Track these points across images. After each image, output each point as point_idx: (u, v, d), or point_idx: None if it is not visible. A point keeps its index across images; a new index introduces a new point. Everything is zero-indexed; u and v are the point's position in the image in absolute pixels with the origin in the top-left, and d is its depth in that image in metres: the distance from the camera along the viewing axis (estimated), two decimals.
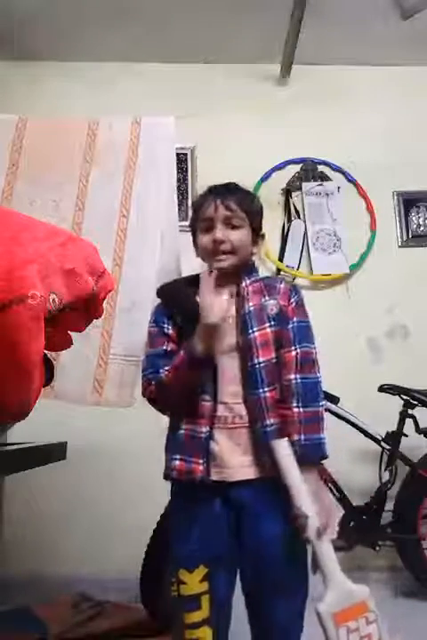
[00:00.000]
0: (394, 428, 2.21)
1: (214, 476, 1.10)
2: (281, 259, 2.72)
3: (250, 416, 1.12)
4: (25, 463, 1.27)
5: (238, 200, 1.22)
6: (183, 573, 1.07)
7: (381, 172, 2.76)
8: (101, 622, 1.85)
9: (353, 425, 2.19)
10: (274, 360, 1.15)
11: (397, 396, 2.22)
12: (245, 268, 1.24)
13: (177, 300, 1.23)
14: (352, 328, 2.61)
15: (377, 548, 2.14)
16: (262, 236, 1.29)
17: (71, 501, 2.32)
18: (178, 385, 1.12)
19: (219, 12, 2.60)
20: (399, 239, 2.82)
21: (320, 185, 2.83)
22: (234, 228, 1.21)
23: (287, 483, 1.03)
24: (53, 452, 1.44)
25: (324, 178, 2.85)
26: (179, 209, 2.69)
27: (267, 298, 1.20)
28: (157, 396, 1.15)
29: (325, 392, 2.21)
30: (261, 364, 1.13)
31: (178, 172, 2.72)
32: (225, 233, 1.20)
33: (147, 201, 1.68)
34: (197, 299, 1.14)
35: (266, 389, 1.12)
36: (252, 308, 1.18)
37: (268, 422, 1.10)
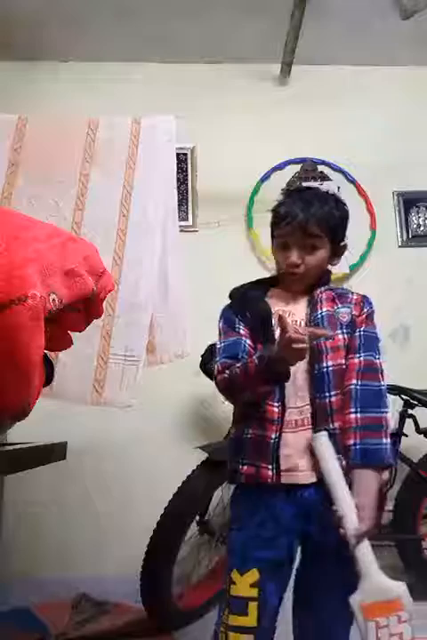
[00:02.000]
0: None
1: (283, 480, 1.10)
2: None
3: (316, 419, 1.12)
4: (25, 463, 1.27)
5: (320, 220, 1.19)
6: (235, 574, 1.08)
7: (381, 172, 2.76)
8: (101, 622, 1.85)
9: None
10: (343, 366, 1.15)
11: (397, 396, 2.22)
12: (320, 277, 1.25)
13: (249, 303, 1.24)
14: None
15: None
16: (344, 247, 1.28)
17: (71, 501, 2.32)
18: (249, 389, 1.13)
19: (219, 12, 2.60)
20: (399, 239, 2.81)
21: (320, 185, 2.82)
22: (312, 249, 1.20)
23: (325, 479, 1.05)
24: (53, 452, 1.44)
25: (324, 178, 2.84)
26: (179, 209, 2.72)
27: (339, 305, 1.22)
28: (228, 387, 1.16)
29: None
30: (330, 368, 1.14)
31: (178, 172, 2.72)
32: (301, 255, 1.20)
33: (147, 201, 1.68)
34: (267, 301, 1.21)
35: (333, 393, 1.12)
36: (325, 313, 1.19)
37: (332, 426, 1.10)
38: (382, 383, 1.15)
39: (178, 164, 2.69)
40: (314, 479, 1.09)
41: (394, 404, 2.22)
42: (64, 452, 1.51)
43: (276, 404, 1.12)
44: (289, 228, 1.19)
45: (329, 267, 1.28)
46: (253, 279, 1.32)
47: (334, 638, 1.12)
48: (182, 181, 2.75)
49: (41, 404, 1.06)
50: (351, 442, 1.07)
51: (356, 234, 2.75)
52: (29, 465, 1.29)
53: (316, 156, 2.85)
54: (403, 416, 2.21)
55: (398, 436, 2.20)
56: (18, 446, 1.39)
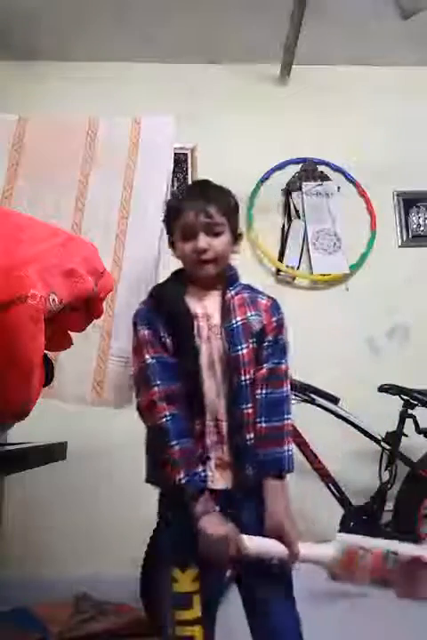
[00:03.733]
0: (394, 427, 2.21)
1: (209, 485, 1.11)
2: (281, 259, 2.72)
3: (232, 430, 1.14)
4: (25, 463, 1.27)
5: (218, 205, 1.21)
6: (176, 572, 1.10)
7: (381, 172, 2.76)
8: (101, 622, 1.85)
9: (353, 425, 2.19)
10: (254, 377, 1.17)
11: (397, 396, 2.22)
12: (229, 274, 1.25)
13: (172, 306, 1.19)
14: (352, 328, 2.61)
15: None
16: (241, 236, 1.29)
17: (71, 501, 2.32)
18: (161, 467, 1.10)
19: (219, 12, 2.60)
20: (399, 239, 2.82)
21: (320, 185, 2.83)
22: (216, 234, 1.20)
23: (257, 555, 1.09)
24: (53, 452, 1.44)
25: (324, 178, 2.85)
26: None
27: (252, 313, 1.21)
28: (158, 434, 1.10)
29: (325, 392, 2.24)
30: (247, 382, 1.16)
31: (178, 172, 2.73)
32: (207, 241, 1.19)
33: (147, 201, 1.68)
34: (186, 300, 1.18)
35: (249, 405, 1.15)
36: (239, 324, 1.18)
37: (248, 436, 1.13)
38: (285, 389, 1.18)
39: (178, 164, 2.71)
40: (229, 485, 1.13)
41: (394, 404, 2.22)
42: (64, 452, 1.51)
43: (197, 422, 1.13)
44: (192, 214, 1.18)
45: (233, 259, 1.28)
46: (171, 272, 1.30)
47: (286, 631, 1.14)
48: (182, 181, 2.75)
49: (41, 404, 1.06)
50: (259, 452, 1.12)
51: (356, 234, 2.78)
52: (29, 465, 1.29)
53: (316, 156, 2.85)
54: (403, 416, 2.21)
55: (398, 436, 2.21)
56: (18, 446, 1.39)
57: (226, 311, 1.20)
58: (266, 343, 1.19)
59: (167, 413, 1.09)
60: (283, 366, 1.19)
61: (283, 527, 1.07)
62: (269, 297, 1.27)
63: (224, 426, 1.14)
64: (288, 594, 1.16)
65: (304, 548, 1.09)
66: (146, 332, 1.17)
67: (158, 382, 1.11)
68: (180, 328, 1.16)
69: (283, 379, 1.18)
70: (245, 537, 1.04)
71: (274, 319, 1.23)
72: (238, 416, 1.14)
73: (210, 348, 1.16)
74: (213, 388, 1.15)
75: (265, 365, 1.17)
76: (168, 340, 1.15)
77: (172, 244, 1.29)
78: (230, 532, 1.03)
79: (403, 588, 1.09)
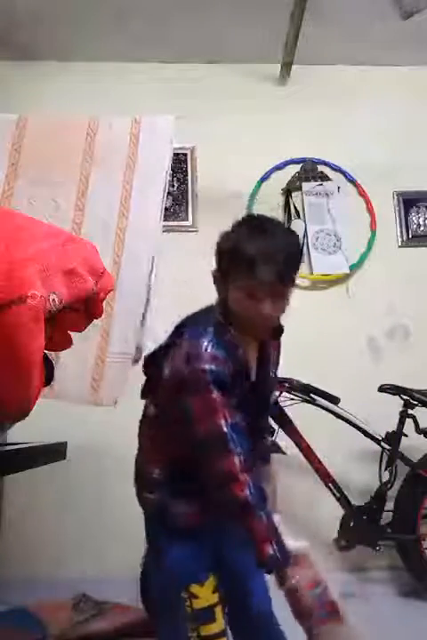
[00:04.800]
0: (394, 428, 2.21)
1: None
2: None
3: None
4: (25, 463, 1.28)
5: (294, 267, 1.13)
6: (195, 587, 1.08)
7: (381, 172, 2.76)
8: (101, 622, 1.85)
9: (353, 425, 2.19)
10: None
11: (397, 396, 2.22)
12: (278, 328, 1.24)
13: (237, 363, 1.11)
14: (352, 328, 2.61)
15: (377, 548, 2.15)
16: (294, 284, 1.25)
17: (71, 501, 2.32)
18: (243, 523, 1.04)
19: (219, 12, 2.59)
20: (399, 239, 2.81)
21: (320, 185, 2.82)
22: (284, 298, 1.12)
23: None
24: (53, 452, 1.45)
25: (324, 178, 2.84)
26: (179, 209, 2.73)
27: (272, 351, 1.25)
28: (242, 506, 1.02)
29: (325, 392, 2.24)
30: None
31: (178, 172, 2.73)
32: (275, 308, 1.10)
33: (147, 201, 1.68)
34: (240, 352, 1.12)
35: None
36: (271, 365, 1.23)
37: None
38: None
39: (178, 164, 2.71)
40: None
41: (394, 405, 2.23)
42: (64, 452, 1.52)
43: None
44: (269, 282, 1.06)
45: None
46: (210, 316, 1.16)
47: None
48: (182, 181, 2.75)
49: (41, 403, 1.06)
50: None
51: (356, 234, 2.78)
52: (29, 465, 1.29)
53: (316, 156, 2.85)
54: (403, 416, 2.21)
55: (398, 436, 2.21)
56: (18, 446, 1.39)
57: (262, 357, 1.21)
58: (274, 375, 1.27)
59: (250, 484, 1.02)
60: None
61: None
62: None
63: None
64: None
65: None
66: (220, 395, 1.05)
67: (239, 451, 1.02)
68: (240, 384, 1.11)
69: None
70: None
71: (279, 350, 1.28)
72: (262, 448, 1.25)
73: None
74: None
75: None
76: (234, 399, 1.08)
77: (222, 285, 1.16)
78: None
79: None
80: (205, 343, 1.08)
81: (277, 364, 1.27)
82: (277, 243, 1.10)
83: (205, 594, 1.07)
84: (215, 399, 1.04)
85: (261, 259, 1.06)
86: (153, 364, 1.20)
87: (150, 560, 1.24)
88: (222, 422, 1.03)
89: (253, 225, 1.16)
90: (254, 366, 1.18)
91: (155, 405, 1.19)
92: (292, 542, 1.08)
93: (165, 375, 1.11)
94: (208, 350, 1.07)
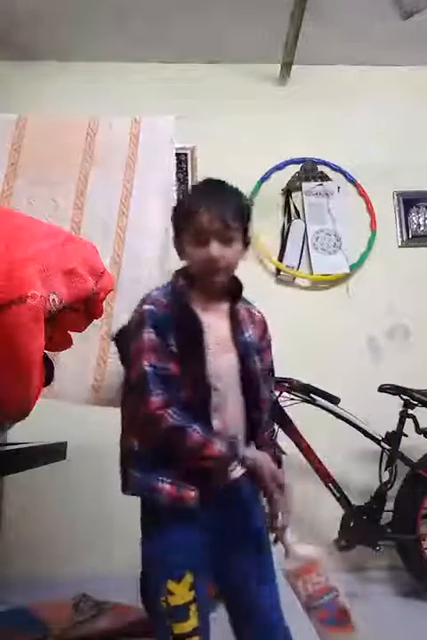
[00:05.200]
0: (394, 428, 2.21)
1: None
2: (281, 259, 2.72)
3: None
4: (25, 463, 1.28)
5: (234, 210, 1.14)
6: (171, 584, 1.06)
7: (381, 172, 2.76)
8: (101, 622, 1.85)
9: (353, 425, 2.19)
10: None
11: (397, 396, 2.22)
12: (236, 286, 1.20)
13: (183, 314, 1.11)
14: (352, 328, 2.61)
15: (377, 548, 2.14)
16: (249, 244, 1.23)
17: (71, 501, 2.32)
18: (190, 460, 1.05)
19: (219, 12, 2.60)
20: (399, 239, 2.82)
21: (320, 185, 2.83)
22: (228, 242, 1.13)
23: None
24: (53, 452, 1.45)
25: (324, 178, 2.85)
26: None
27: (253, 326, 1.20)
28: (170, 436, 1.04)
29: (325, 392, 2.24)
30: (265, 401, 1.17)
31: (178, 172, 2.72)
32: (221, 250, 1.11)
33: (146, 200, 1.68)
34: (196, 312, 1.11)
35: (263, 416, 1.17)
36: (249, 339, 1.17)
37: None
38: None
39: (178, 164, 2.70)
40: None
41: (394, 405, 2.22)
42: (64, 452, 1.52)
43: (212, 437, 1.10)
44: (206, 218, 1.10)
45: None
46: (175, 272, 1.22)
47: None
48: (182, 181, 2.75)
49: (41, 403, 1.06)
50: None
51: (356, 234, 2.78)
52: (29, 465, 1.29)
53: (316, 156, 2.85)
54: (403, 416, 2.21)
55: (398, 436, 2.21)
56: (18, 446, 1.39)
57: (236, 324, 1.17)
58: (264, 368, 1.19)
59: (171, 412, 1.02)
60: (273, 397, 1.25)
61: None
62: (260, 312, 1.26)
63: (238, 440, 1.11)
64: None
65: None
66: (152, 336, 1.06)
67: (158, 392, 1.03)
68: (189, 338, 1.10)
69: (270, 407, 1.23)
70: None
71: (267, 336, 1.24)
72: (262, 439, 1.17)
73: (217, 361, 1.10)
74: (219, 403, 1.10)
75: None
76: (175, 350, 1.07)
77: (178, 245, 1.20)
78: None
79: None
80: (153, 292, 1.14)
81: (264, 351, 1.20)
82: (217, 190, 1.18)
83: (180, 591, 1.05)
84: (145, 340, 1.06)
85: (201, 204, 1.12)
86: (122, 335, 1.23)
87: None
88: (145, 363, 1.04)
89: (197, 185, 1.26)
90: (220, 326, 1.15)
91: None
92: (303, 548, 1.08)
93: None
94: (152, 295, 1.13)
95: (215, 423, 1.08)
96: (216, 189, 1.19)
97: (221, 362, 1.11)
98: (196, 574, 1.06)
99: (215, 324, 1.14)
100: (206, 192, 1.18)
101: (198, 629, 1.04)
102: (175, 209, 1.23)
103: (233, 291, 1.20)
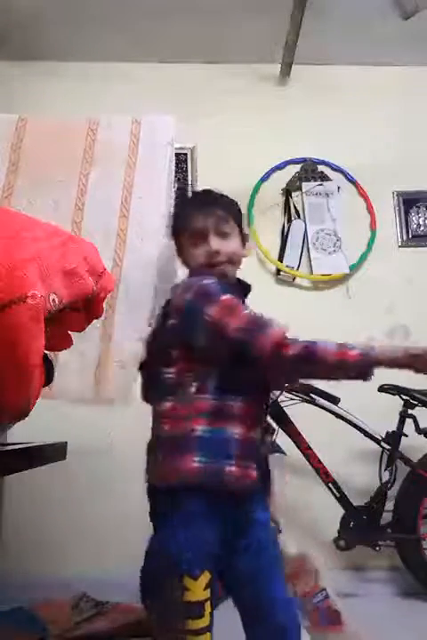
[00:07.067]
0: (394, 427, 2.21)
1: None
2: (281, 259, 2.72)
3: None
4: (25, 463, 1.27)
5: (225, 207, 1.22)
6: (187, 580, 1.05)
7: (381, 172, 2.76)
8: (101, 622, 1.85)
9: (353, 425, 2.19)
10: None
11: (397, 396, 2.22)
12: (245, 284, 1.25)
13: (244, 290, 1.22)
14: (352, 328, 2.59)
15: (377, 548, 2.15)
16: (247, 236, 1.29)
17: (71, 501, 2.32)
18: (332, 375, 1.15)
19: (219, 12, 2.60)
20: (399, 239, 2.81)
21: (320, 185, 2.82)
22: (225, 236, 1.20)
23: None
24: (53, 452, 1.45)
25: (324, 178, 2.85)
26: None
27: None
28: (308, 360, 1.11)
29: (325, 392, 2.24)
30: None
31: (178, 172, 2.72)
32: (219, 243, 1.18)
33: (147, 200, 1.68)
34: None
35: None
36: None
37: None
38: None
39: (178, 164, 2.70)
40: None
41: (394, 405, 2.23)
42: (64, 452, 1.52)
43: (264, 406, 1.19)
44: (201, 217, 1.18)
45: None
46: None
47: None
48: (182, 181, 2.75)
49: (41, 403, 1.06)
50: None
51: (356, 234, 2.78)
52: (29, 465, 1.29)
53: (316, 156, 2.85)
54: (403, 416, 2.21)
55: (398, 436, 2.21)
56: (18, 446, 1.39)
57: None
58: None
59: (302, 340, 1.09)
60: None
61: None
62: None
63: None
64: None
65: None
66: (232, 296, 1.09)
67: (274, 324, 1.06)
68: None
69: None
70: None
71: None
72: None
73: None
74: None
75: None
76: None
77: (178, 251, 1.28)
78: None
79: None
80: (204, 279, 1.13)
81: None
82: (206, 195, 1.28)
83: (197, 589, 1.04)
84: (228, 298, 1.07)
85: (196, 205, 1.24)
86: (154, 340, 1.21)
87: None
88: (243, 309, 1.07)
89: (186, 197, 1.40)
90: None
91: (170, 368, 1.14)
92: (292, 549, 1.08)
93: (169, 325, 1.13)
94: (205, 281, 1.12)
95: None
96: (205, 194, 1.30)
97: None
98: (212, 574, 1.06)
99: None
100: (196, 198, 1.32)
101: (209, 628, 1.05)
102: (173, 219, 1.31)
103: (246, 290, 1.24)
